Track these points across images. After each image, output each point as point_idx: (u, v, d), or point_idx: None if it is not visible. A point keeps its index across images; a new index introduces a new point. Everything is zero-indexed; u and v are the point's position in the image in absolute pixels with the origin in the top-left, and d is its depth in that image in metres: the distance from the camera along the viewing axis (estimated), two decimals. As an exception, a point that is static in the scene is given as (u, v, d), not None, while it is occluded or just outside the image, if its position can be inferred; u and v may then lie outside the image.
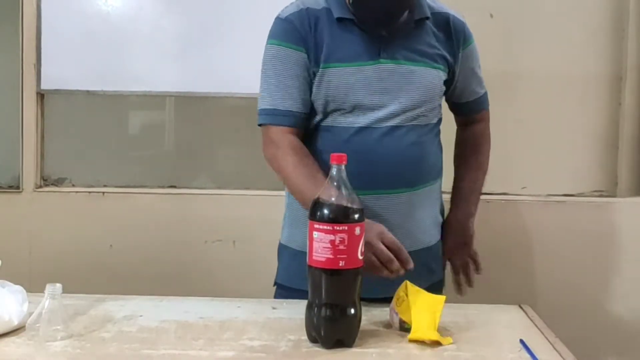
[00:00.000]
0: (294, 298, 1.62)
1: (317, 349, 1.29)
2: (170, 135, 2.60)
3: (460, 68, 1.68)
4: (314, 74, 1.59)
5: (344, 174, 1.30)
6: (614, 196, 2.46)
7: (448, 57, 1.65)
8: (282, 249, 1.74)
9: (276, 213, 2.40)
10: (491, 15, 2.45)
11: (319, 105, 1.61)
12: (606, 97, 2.47)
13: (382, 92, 1.58)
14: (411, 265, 1.43)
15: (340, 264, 1.26)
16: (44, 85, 2.47)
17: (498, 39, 2.44)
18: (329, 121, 1.61)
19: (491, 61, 2.45)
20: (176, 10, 2.46)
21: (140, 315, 1.47)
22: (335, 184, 1.29)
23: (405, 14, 1.58)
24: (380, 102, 1.58)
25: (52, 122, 2.53)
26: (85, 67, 2.46)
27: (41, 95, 2.49)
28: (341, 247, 1.26)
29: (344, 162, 1.30)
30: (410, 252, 1.56)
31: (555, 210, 2.39)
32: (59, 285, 1.32)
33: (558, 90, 2.46)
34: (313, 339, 1.32)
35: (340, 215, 1.27)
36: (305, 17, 1.58)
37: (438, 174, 1.71)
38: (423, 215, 1.66)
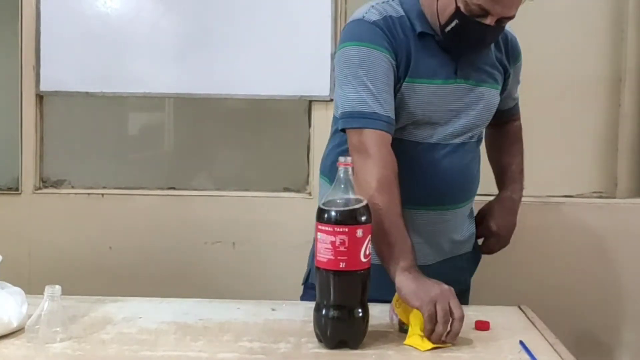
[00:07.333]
0: None
1: (316, 351, 1.29)
2: (169, 137, 2.60)
3: (509, 81, 1.73)
4: (398, 86, 1.52)
5: (350, 177, 1.30)
6: (614, 197, 2.46)
7: (503, 74, 1.69)
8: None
9: (276, 215, 2.40)
10: (490, 17, 2.45)
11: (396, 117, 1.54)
12: (606, 98, 2.47)
13: (456, 110, 1.59)
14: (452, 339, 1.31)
15: (341, 265, 1.26)
16: (43, 87, 2.46)
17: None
18: (399, 133, 1.54)
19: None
20: (175, 11, 2.45)
21: (140, 317, 1.46)
22: (342, 186, 1.29)
23: None
24: (451, 120, 1.59)
25: (51, 124, 2.52)
26: (84, 68, 2.45)
27: (40, 97, 2.49)
28: (341, 248, 1.26)
29: (351, 165, 1.30)
30: (451, 258, 1.66)
31: (555, 211, 2.39)
32: (58, 287, 1.32)
33: (557, 92, 2.46)
34: (319, 339, 1.31)
35: (341, 217, 1.27)
36: (391, 25, 1.51)
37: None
38: (468, 226, 1.71)
